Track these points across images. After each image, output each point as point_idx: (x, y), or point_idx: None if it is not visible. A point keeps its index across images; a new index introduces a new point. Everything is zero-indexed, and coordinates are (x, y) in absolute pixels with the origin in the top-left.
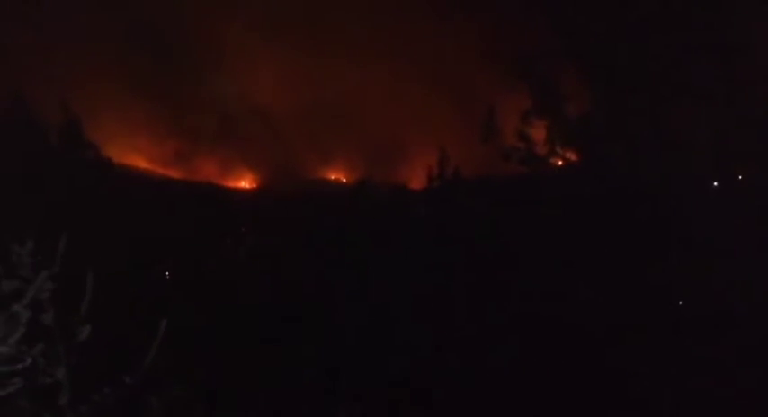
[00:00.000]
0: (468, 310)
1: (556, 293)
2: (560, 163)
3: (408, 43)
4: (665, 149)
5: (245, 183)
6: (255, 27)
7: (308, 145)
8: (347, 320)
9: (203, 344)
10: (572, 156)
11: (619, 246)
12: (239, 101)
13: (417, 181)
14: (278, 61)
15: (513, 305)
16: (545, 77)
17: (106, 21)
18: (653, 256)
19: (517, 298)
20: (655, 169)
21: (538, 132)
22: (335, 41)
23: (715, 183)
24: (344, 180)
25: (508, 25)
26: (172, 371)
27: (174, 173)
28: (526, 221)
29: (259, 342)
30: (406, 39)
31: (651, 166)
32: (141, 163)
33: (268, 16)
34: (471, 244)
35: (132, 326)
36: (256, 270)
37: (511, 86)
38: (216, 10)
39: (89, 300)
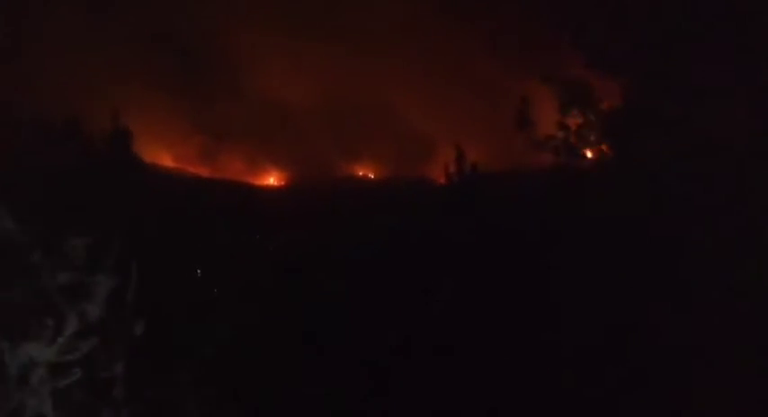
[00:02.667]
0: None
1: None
2: (590, 155)
3: (435, 37)
4: (701, 147)
5: (272, 181)
6: (281, 22)
7: (335, 141)
8: (380, 318)
9: (236, 345)
10: (605, 149)
11: (651, 246)
12: (265, 97)
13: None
14: (303, 57)
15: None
16: (574, 75)
17: (129, 19)
18: (687, 257)
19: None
20: (690, 167)
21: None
22: (361, 36)
23: None
24: (372, 176)
25: (536, 19)
26: (209, 372)
27: (200, 171)
28: (557, 218)
29: (290, 342)
30: (433, 33)
31: (687, 164)
32: (167, 161)
33: (293, 11)
34: (495, 240)
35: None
36: (286, 268)
37: (540, 82)
38: (241, 5)
39: (134, 293)
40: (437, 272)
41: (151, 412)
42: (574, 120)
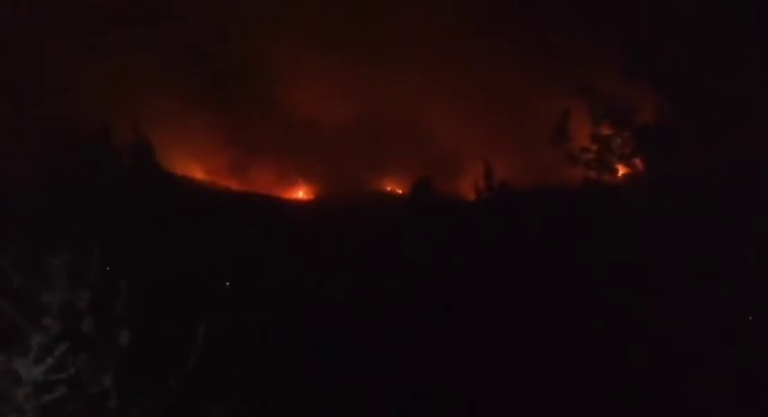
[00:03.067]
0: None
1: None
2: (623, 170)
3: (464, 53)
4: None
5: (302, 194)
6: (313, 40)
7: (364, 156)
8: (408, 331)
9: (261, 356)
10: (638, 163)
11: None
12: (296, 112)
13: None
14: (334, 73)
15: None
16: (609, 91)
17: (164, 34)
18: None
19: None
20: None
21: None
22: (392, 53)
23: None
24: (400, 191)
25: (569, 33)
26: (230, 384)
27: (230, 184)
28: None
29: (316, 356)
30: (462, 48)
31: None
32: (197, 173)
33: (325, 29)
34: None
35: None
36: (315, 282)
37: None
38: (272, 20)
39: (126, 306)
40: (465, 287)
41: None
42: (607, 134)
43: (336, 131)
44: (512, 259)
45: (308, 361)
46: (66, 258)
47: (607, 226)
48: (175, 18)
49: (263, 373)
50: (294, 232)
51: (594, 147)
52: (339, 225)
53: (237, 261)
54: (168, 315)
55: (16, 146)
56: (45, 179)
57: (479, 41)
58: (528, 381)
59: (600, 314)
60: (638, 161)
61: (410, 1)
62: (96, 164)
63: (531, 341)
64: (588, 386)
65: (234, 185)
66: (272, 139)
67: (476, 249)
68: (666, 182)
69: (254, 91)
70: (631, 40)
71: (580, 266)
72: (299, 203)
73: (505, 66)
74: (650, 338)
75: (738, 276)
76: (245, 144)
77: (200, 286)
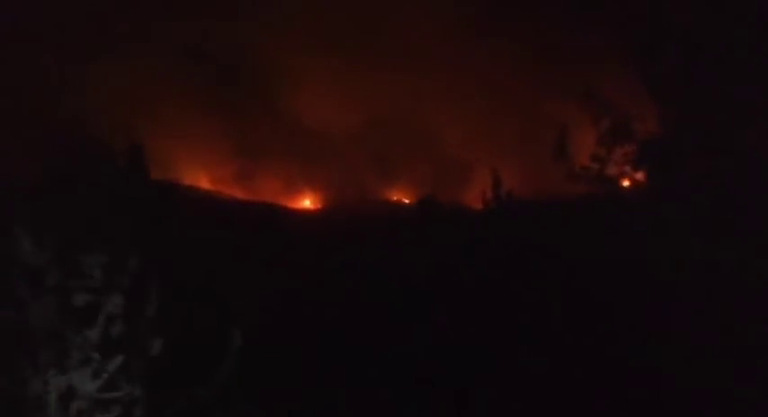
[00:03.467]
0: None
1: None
2: (627, 184)
3: (473, 60)
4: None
5: (308, 203)
6: (321, 46)
7: (371, 164)
8: (412, 343)
9: (267, 362)
10: (640, 177)
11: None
12: (303, 119)
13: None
14: (342, 80)
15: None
16: (613, 102)
17: (169, 41)
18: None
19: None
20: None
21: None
22: (400, 61)
23: None
24: (407, 201)
25: (575, 42)
26: (241, 388)
27: (236, 192)
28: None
29: (324, 363)
30: (472, 56)
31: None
32: (203, 183)
33: (334, 36)
34: (529, 268)
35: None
36: (321, 290)
37: (579, 107)
38: (277, 28)
39: (154, 313)
40: (474, 298)
41: None
42: (611, 148)
43: (344, 140)
44: (521, 270)
45: (312, 370)
46: (102, 259)
47: (619, 236)
48: (183, 24)
49: (267, 378)
50: (300, 241)
51: (596, 165)
52: (346, 234)
53: (242, 269)
54: (173, 322)
55: (16, 147)
56: (45, 180)
57: (492, 47)
58: (534, 390)
59: (607, 324)
60: (644, 170)
61: (421, 6)
62: (97, 169)
63: (537, 352)
64: (594, 396)
65: (239, 193)
66: (279, 148)
67: (484, 260)
68: (672, 190)
69: (263, 99)
70: (638, 42)
71: (592, 277)
72: (305, 212)
73: (520, 72)
74: (657, 351)
75: (739, 279)
76: (250, 152)
77: (205, 295)
